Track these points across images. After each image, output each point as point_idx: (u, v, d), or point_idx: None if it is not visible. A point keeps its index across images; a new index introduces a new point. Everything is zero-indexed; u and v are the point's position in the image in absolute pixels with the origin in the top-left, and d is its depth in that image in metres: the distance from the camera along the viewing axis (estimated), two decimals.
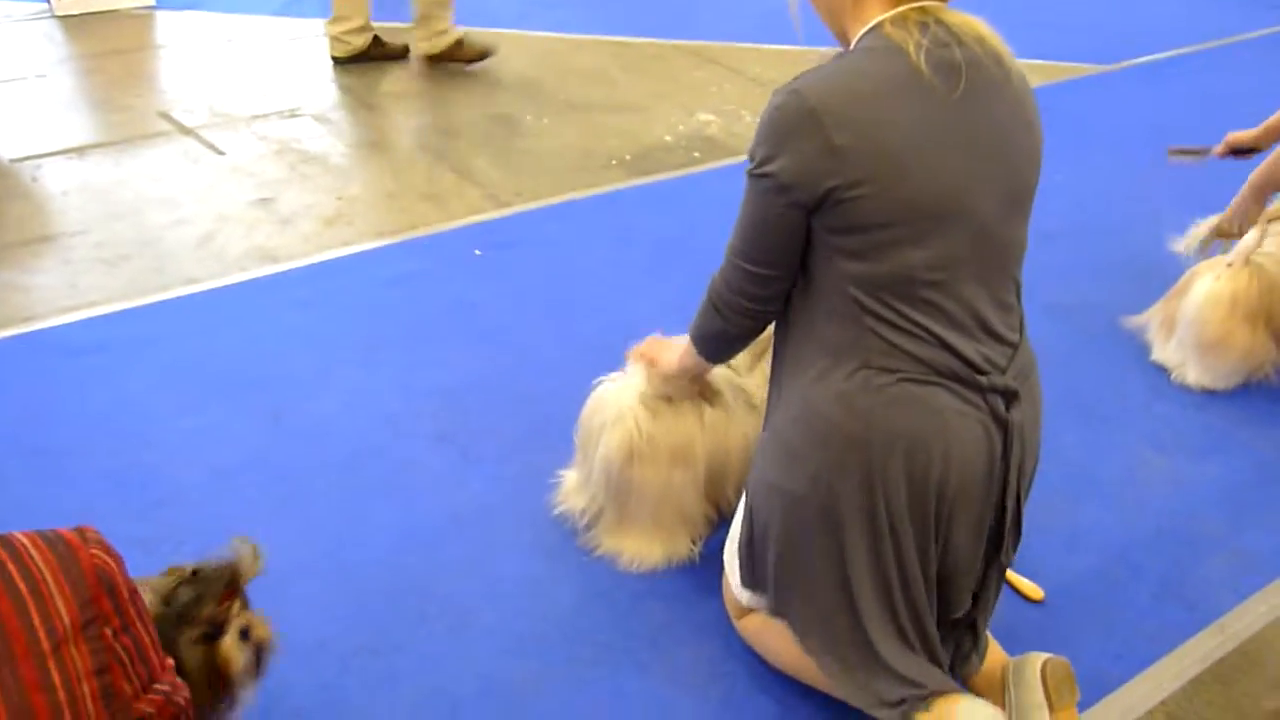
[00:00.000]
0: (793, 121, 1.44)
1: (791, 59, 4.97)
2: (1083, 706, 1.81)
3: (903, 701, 1.58)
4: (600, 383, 2.11)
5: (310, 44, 5.05)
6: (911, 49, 1.44)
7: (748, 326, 1.69)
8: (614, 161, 3.90)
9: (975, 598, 1.69)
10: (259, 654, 1.53)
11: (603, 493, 2.08)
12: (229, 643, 1.45)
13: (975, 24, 1.52)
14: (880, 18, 1.49)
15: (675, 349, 1.94)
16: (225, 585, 1.47)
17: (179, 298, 2.99)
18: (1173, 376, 2.76)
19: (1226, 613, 2.05)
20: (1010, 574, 2.06)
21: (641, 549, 2.11)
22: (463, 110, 4.32)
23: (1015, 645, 1.82)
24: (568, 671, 1.88)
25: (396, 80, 4.62)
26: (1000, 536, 1.62)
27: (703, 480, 2.07)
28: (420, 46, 4.77)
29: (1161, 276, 2.87)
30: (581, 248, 3.30)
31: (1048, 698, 1.60)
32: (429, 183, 3.70)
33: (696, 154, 3.97)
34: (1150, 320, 2.85)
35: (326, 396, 2.59)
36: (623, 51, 5.05)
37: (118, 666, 1.12)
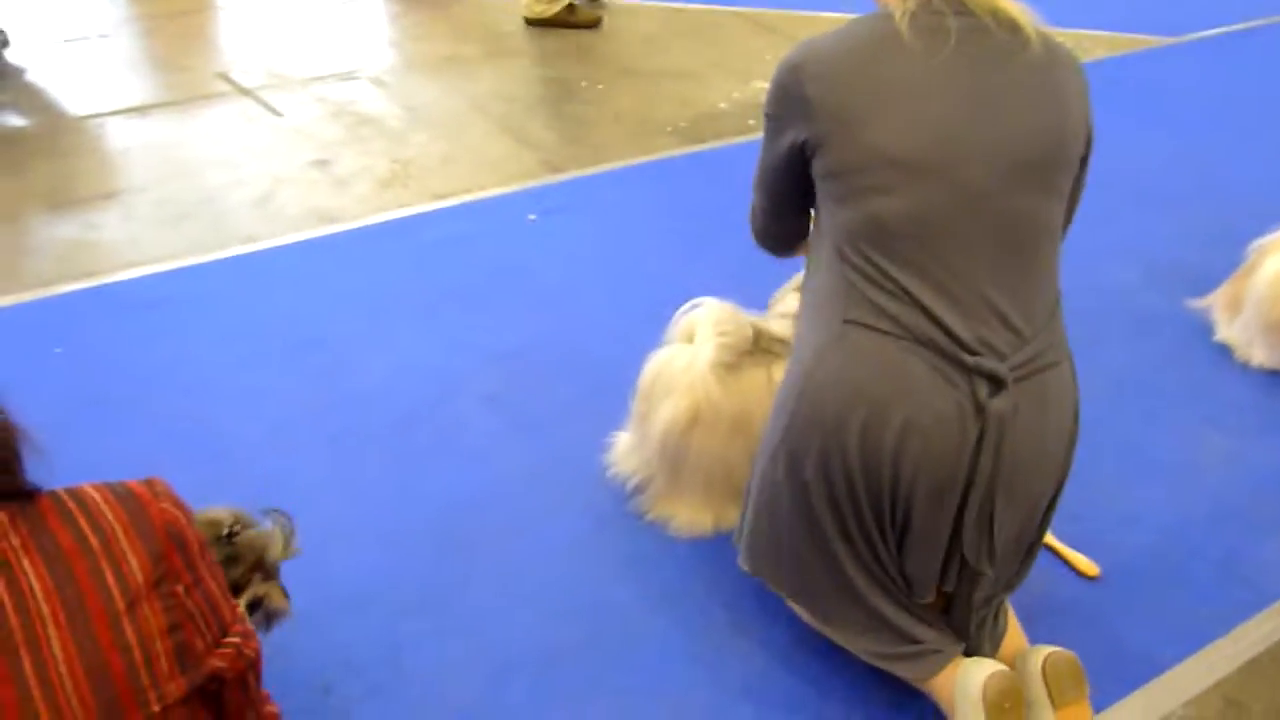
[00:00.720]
0: (783, 75, 1.59)
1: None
2: (1134, 685, 1.79)
3: (904, 657, 1.63)
4: (662, 348, 2.10)
5: (368, 6, 5.06)
6: (897, 14, 1.51)
7: (779, 251, 1.91)
8: (669, 128, 3.88)
9: (954, 592, 1.64)
10: (268, 621, 1.59)
11: (657, 459, 2.08)
12: (238, 610, 1.48)
13: (1022, 11, 1.54)
14: None
15: None
16: (252, 563, 1.51)
17: (237, 256, 3.02)
18: (1237, 356, 2.70)
19: None
20: (1065, 549, 2.03)
21: (693, 516, 2.11)
22: (517, 75, 4.32)
23: (1068, 621, 1.80)
24: (613, 634, 1.89)
25: (454, 44, 4.62)
26: (965, 536, 1.55)
27: (753, 446, 2.07)
28: (534, 9, 4.78)
29: (1224, 258, 2.79)
30: (635, 215, 3.29)
31: (1049, 694, 1.57)
32: (483, 147, 3.70)
33: (751, 121, 3.93)
34: (1216, 300, 2.78)
35: (380, 357, 2.61)
36: (677, 17, 5.00)
37: (190, 623, 1.13)
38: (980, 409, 1.48)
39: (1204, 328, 2.79)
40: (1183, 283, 2.91)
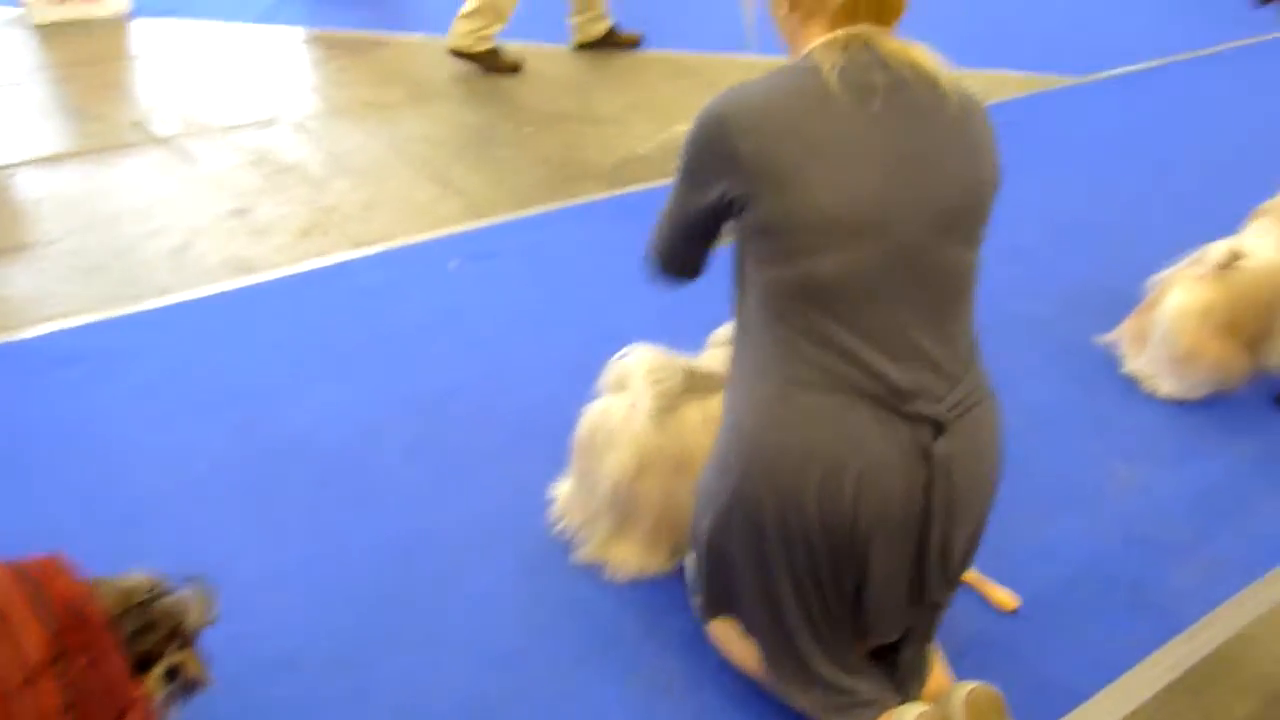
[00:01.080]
0: (706, 128, 1.55)
1: (765, 68, 4.99)
2: (1055, 717, 1.83)
3: (841, 709, 1.63)
4: (598, 400, 2.10)
5: (291, 51, 5.03)
6: (826, 68, 1.50)
7: (677, 280, 1.90)
8: (592, 172, 3.91)
9: (907, 631, 1.70)
10: (185, 690, 1.56)
11: (607, 509, 2.09)
12: (152, 678, 1.45)
13: (910, 50, 1.55)
14: (817, 41, 1.55)
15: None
16: (168, 631, 1.48)
17: (153, 310, 2.97)
18: (1144, 387, 2.78)
19: (1196, 621, 2.06)
20: (986, 583, 2.07)
21: (636, 558, 2.11)
22: (442, 120, 4.32)
23: (990, 655, 1.83)
24: (547, 685, 1.88)
25: (377, 89, 4.61)
26: (929, 573, 1.61)
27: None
28: (459, 41, 4.85)
29: (1129, 292, 2.88)
30: (560, 259, 3.31)
31: None
32: (406, 193, 3.69)
33: (672, 165, 3.97)
34: (1122, 334, 2.87)
35: (301, 409, 2.58)
36: (598, 62, 5.06)
37: (86, 702, 1.10)
38: (926, 453, 1.53)
39: (1113, 360, 2.87)
40: (1093, 316, 3.00)
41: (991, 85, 4.84)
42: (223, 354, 2.78)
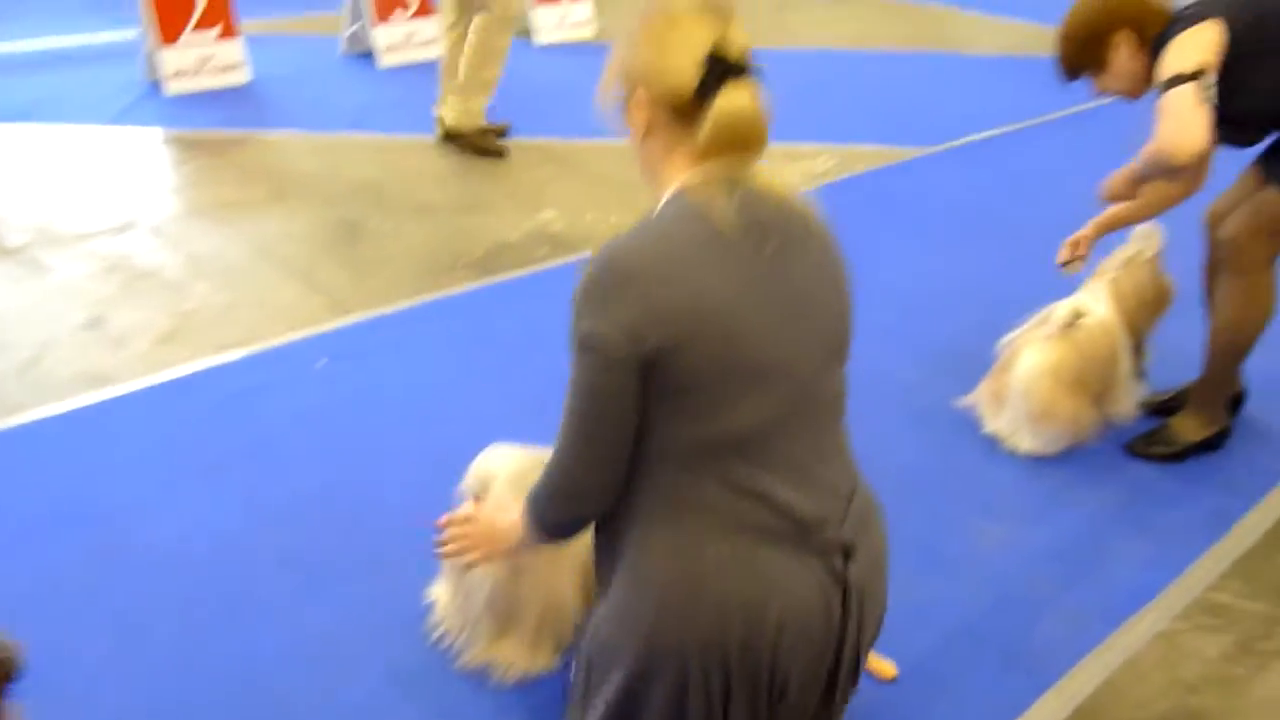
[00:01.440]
0: (610, 286, 1.43)
1: (629, 154, 5.09)
2: None
3: None
4: (461, 502, 2.06)
5: (148, 153, 4.93)
6: (716, 214, 1.46)
7: (591, 512, 1.62)
8: (460, 263, 3.91)
9: None
10: None
11: (484, 610, 2.05)
12: None
13: (780, 184, 1.55)
14: (686, 180, 1.51)
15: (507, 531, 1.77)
16: None
17: (2, 430, 2.84)
18: (1005, 445, 2.89)
19: (1064, 675, 2.13)
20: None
21: (522, 659, 2.09)
22: (303, 217, 4.27)
23: None
24: None
25: (238, 188, 4.54)
26: (842, 680, 1.62)
27: (580, 580, 2.07)
28: (450, 122, 5.02)
29: (985, 354, 3.00)
30: (429, 353, 3.28)
31: None
32: (270, 293, 3.63)
33: (543, 252, 4.01)
34: (980, 396, 2.98)
35: (163, 524, 2.49)
36: (464, 151, 5.08)
37: None
38: (840, 580, 1.54)
39: (974, 421, 2.97)
40: (953, 379, 3.11)
41: (846, 159, 5.04)
42: (79, 472, 2.66)
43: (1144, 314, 2.95)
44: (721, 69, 1.48)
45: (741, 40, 1.52)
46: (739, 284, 1.46)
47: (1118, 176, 2.67)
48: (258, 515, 2.52)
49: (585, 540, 2.03)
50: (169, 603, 2.25)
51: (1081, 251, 2.99)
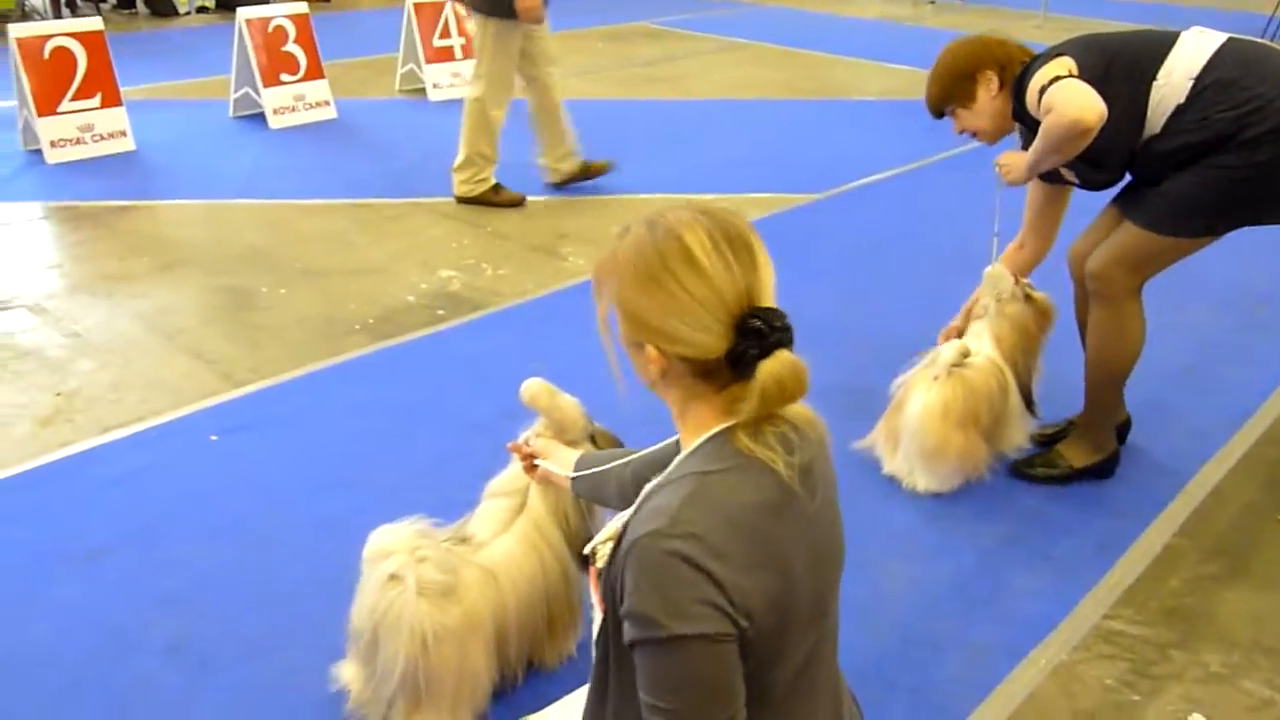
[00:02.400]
0: (696, 572, 1.24)
1: (527, 210, 5.11)
2: None
3: None
4: (367, 583, 1.99)
5: (23, 229, 4.77)
6: (782, 468, 1.31)
7: None
8: (356, 327, 3.86)
9: None
10: None
11: (399, 691, 1.99)
12: None
13: (809, 414, 1.42)
14: (727, 425, 1.34)
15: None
16: None
17: None
18: (904, 485, 2.93)
19: (971, 713, 2.15)
20: None
21: None
22: (191, 288, 4.17)
23: None
24: None
25: (122, 260, 4.42)
26: None
27: (493, 643, 2.04)
28: (461, 187, 5.16)
29: (881, 394, 3.05)
30: (324, 422, 3.22)
31: None
32: (158, 368, 3.53)
33: (441, 311, 3.98)
34: (877, 438, 3.03)
35: (41, 620, 2.38)
36: (358, 213, 5.04)
37: None
38: None
39: (874, 462, 3.02)
40: (852, 421, 3.14)
41: (740, 207, 5.11)
42: None
43: (1028, 342, 3.03)
44: (760, 336, 1.29)
45: (772, 281, 1.35)
46: (805, 545, 1.35)
47: (1013, 158, 2.78)
48: (144, 604, 2.43)
49: (492, 603, 2.01)
50: (45, 706, 2.14)
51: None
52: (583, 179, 5.42)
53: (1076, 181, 2.80)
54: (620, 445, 2.23)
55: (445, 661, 1.97)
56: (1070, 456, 2.95)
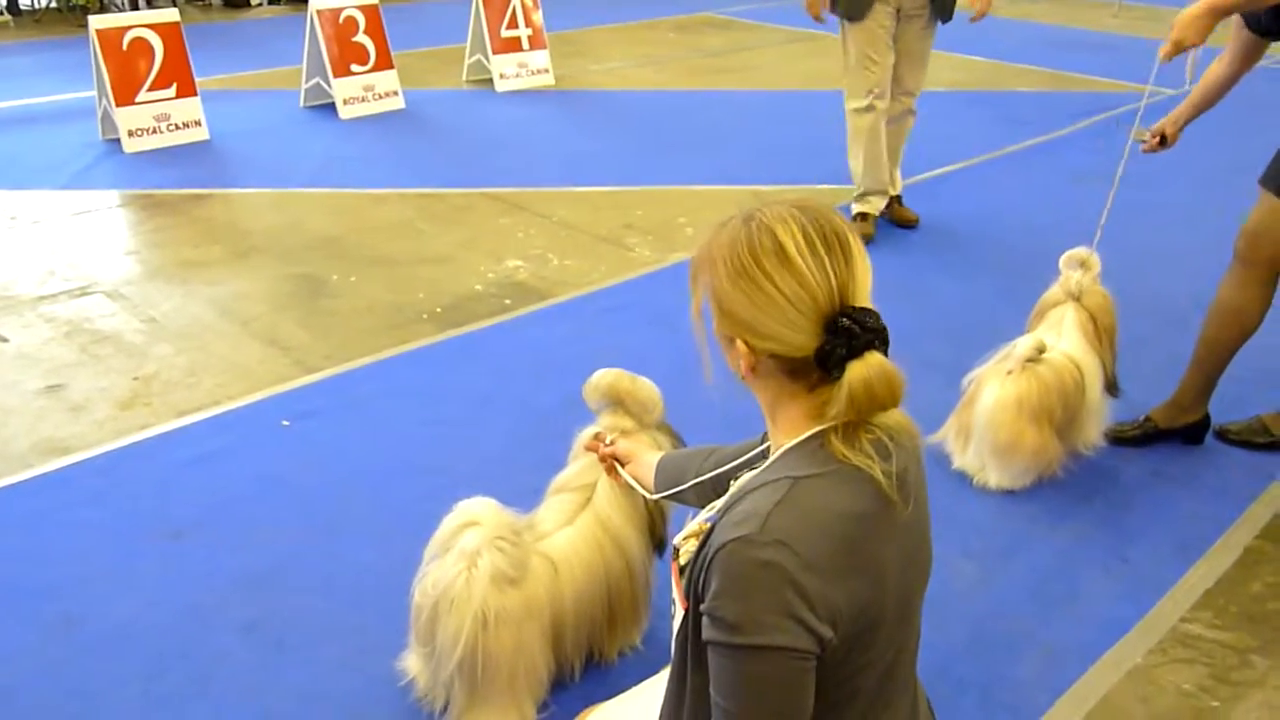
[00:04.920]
0: (782, 583, 1.23)
1: (593, 201, 5.12)
2: None
3: None
4: (435, 564, 2.02)
5: (102, 216, 4.89)
6: (879, 475, 1.29)
7: None
8: (424, 315, 3.90)
9: None
10: None
11: (456, 676, 2.01)
12: None
13: (905, 420, 1.38)
14: (821, 428, 1.32)
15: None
16: None
17: None
18: (974, 482, 2.89)
19: (1044, 714, 2.12)
20: None
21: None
22: (264, 274, 4.25)
23: None
24: None
25: (196, 248, 4.51)
26: None
27: (550, 631, 2.05)
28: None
29: (952, 391, 3.01)
30: (395, 409, 3.25)
31: None
32: (232, 353, 3.60)
33: (508, 301, 4.00)
34: (948, 432, 2.99)
35: (126, 595, 2.44)
36: (426, 203, 5.09)
37: None
38: None
39: (944, 458, 2.98)
40: (921, 416, 3.10)
41: (810, 196, 5.07)
42: (37, 545, 2.61)
43: (1108, 336, 2.98)
44: (849, 336, 1.27)
45: (868, 281, 1.32)
46: (897, 553, 1.34)
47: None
48: (221, 584, 2.48)
49: (550, 592, 2.02)
50: (130, 678, 2.20)
51: (1169, 135, 3.11)
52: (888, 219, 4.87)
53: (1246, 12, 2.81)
54: (679, 440, 2.22)
55: (503, 645, 1.98)
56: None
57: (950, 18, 4.35)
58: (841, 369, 1.27)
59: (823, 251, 1.28)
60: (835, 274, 1.28)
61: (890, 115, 4.51)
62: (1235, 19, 2.90)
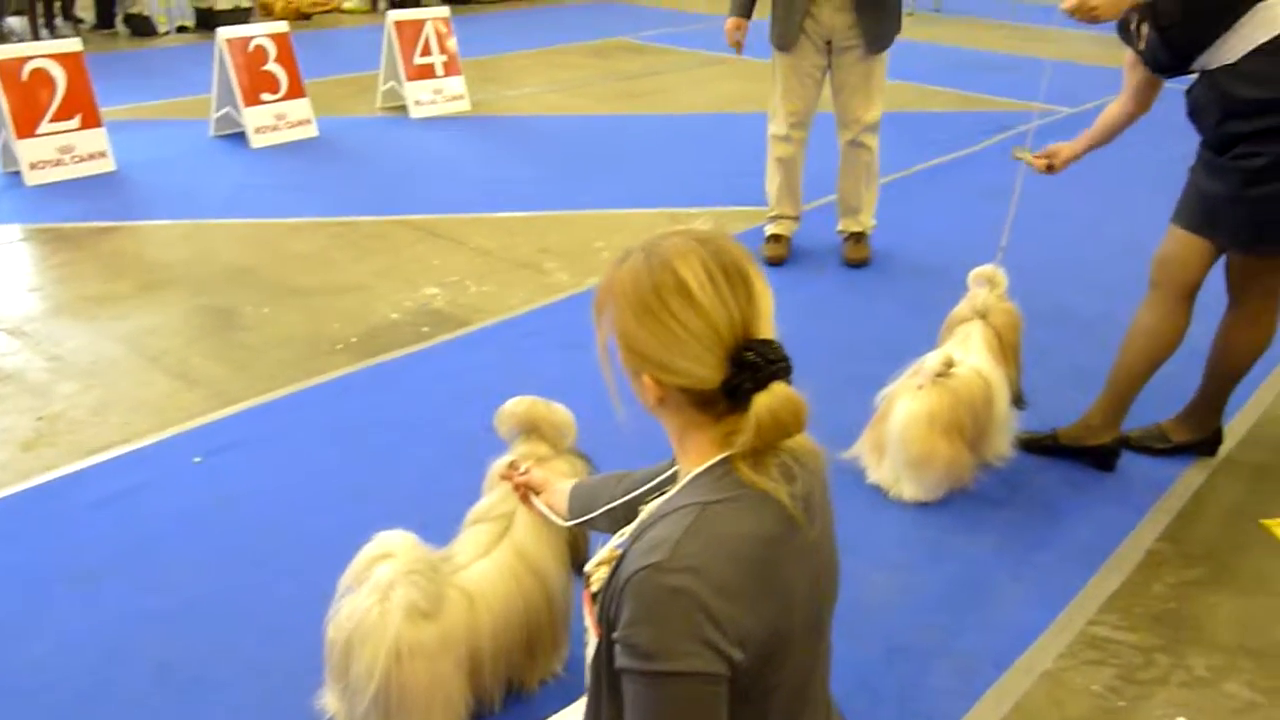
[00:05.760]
0: (693, 609, 1.24)
1: (510, 227, 5.12)
2: None
3: None
4: (349, 597, 2.00)
5: (3, 252, 4.75)
6: (785, 498, 1.32)
7: None
8: (340, 345, 3.86)
9: None
10: None
11: (370, 708, 1.99)
12: None
13: (809, 443, 1.42)
14: (728, 454, 1.33)
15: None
16: None
17: None
18: (890, 495, 2.95)
19: None
20: None
21: None
22: (174, 308, 4.16)
23: None
24: None
25: (104, 282, 4.41)
26: None
27: (467, 664, 2.04)
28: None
29: (865, 407, 3.07)
30: (311, 441, 3.21)
31: None
32: (141, 390, 3.52)
33: (425, 329, 3.98)
34: (862, 448, 3.05)
35: (36, 640, 2.37)
36: (341, 232, 5.04)
37: None
38: None
39: (859, 473, 3.03)
40: (836, 433, 3.16)
41: (722, 219, 5.13)
42: None
43: (1013, 352, 3.06)
44: (754, 369, 1.29)
45: (770, 311, 1.34)
46: (805, 573, 1.37)
47: None
48: (135, 624, 2.42)
49: (467, 625, 2.01)
50: None
51: (1057, 163, 3.14)
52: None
53: (1143, 49, 2.79)
54: (592, 465, 2.24)
55: (418, 678, 1.97)
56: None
57: (883, 49, 4.31)
58: (748, 401, 1.29)
59: (724, 285, 1.30)
60: (738, 307, 1.30)
61: (843, 146, 4.54)
62: (1130, 56, 2.93)
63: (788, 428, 1.31)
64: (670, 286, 1.29)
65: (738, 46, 4.41)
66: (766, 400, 1.29)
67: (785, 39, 4.27)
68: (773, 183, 4.65)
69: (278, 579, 2.58)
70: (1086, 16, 2.67)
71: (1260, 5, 2.53)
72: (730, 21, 4.36)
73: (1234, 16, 2.57)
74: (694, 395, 1.33)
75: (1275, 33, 2.52)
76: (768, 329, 1.33)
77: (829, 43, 4.28)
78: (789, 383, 1.32)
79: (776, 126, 4.53)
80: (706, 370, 1.30)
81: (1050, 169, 3.17)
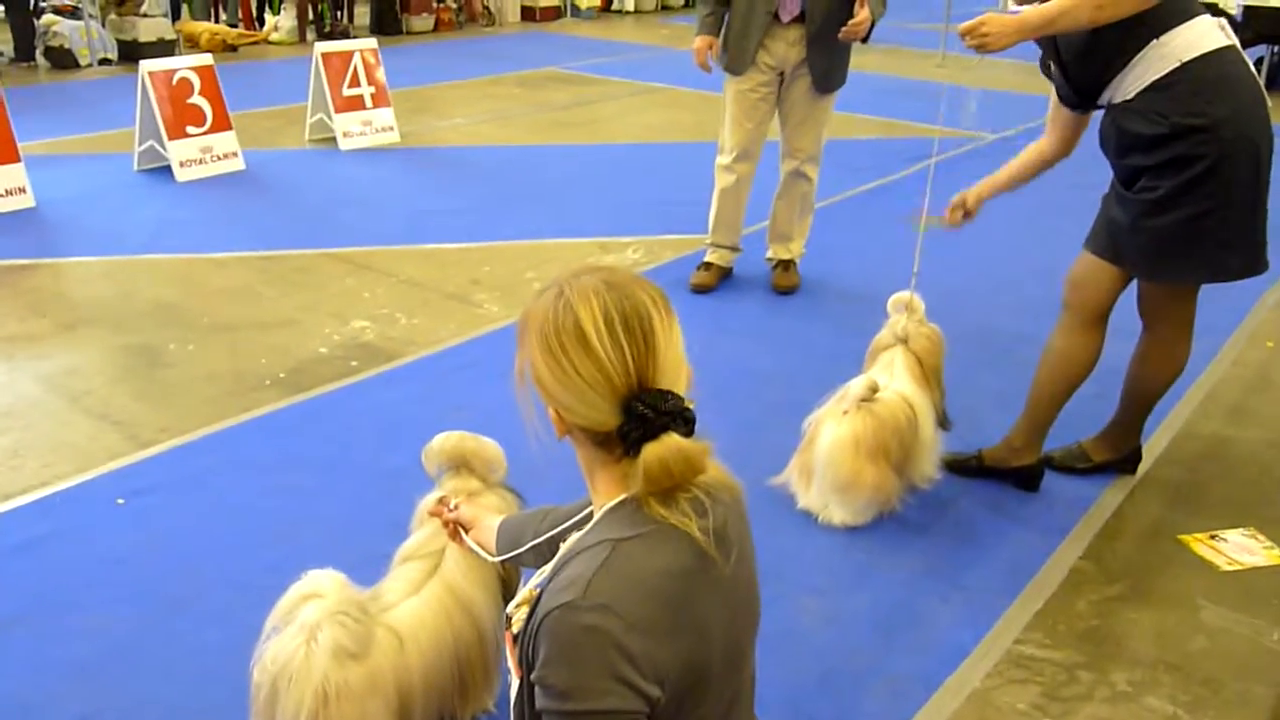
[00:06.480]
0: (607, 647, 1.26)
1: (441, 258, 5.10)
2: None
3: None
4: (274, 640, 1.96)
5: None
6: (697, 533, 1.33)
7: None
8: (268, 381, 3.80)
9: None
10: None
11: None
12: None
13: (723, 475, 1.43)
14: (636, 491, 1.34)
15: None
16: None
17: None
18: (819, 520, 2.98)
19: None
20: None
21: None
22: (96, 347, 4.08)
23: None
24: None
25: (21, 321, 4.30)
26: None
27: (396, 704, 2.01)
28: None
29: (793, 432, 3.11)
30: (238, 480, 3.16)
31: None
32: (61, 431, 3.44)
33: (354, 363, 3.95)
34: (790, 474, 3.08)
35: None
36: (268, 265, 4.98)
37: None
38: None
39: (788, 499, 3.06)
40: (765, 458, 3.19)
41: (653, 248, 5.19)
42: None
43: (935, 376, 3.12)
44: (643, 420, 1.31)
45: (674, 360, 1.36)
46: (721, 606, 1.38)
47: (1000, 19, 2.69)
48: (52, 677, 2.35)
49: (396, 665, 1.99)
50: None
51: (969, 208, 3.20)
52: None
53: (1055, 79, 2.86)
54: (522, 500, 2.24)
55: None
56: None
57: (830, 90, 4.38)
58: (638, 450, 1.31)
59: (621, 334, 1.31)
60: (633, 358, 1.31)
61: (784, 175, 4.59)
62: (1053, 96, 2.99)
63: (680, 477, 1.33)
64: (569, 331, 1.32)
65: (706, 67, 4.45)
66: (656, 450, 1.31)
67: (738, 63, 4.33)
68: (712, 211, 4.70)
69: (204, 622, 2.53)
70: (977, 44, 2.74)
71: (1154, 43, 2.62)
72: (701, 40, 4.36)
73: (1129, 55, 2.66)
74: (593, 435, 1.36)
75: (1168, 69, 2.62)
76: (668, 378, 1.35)
77: (781, 74, 4.34)
78: (688, 432, 1.33)
79: (722, 157, 4.59)
80: (600, 415, 1.33)
81: (967, 216, 3.22)
